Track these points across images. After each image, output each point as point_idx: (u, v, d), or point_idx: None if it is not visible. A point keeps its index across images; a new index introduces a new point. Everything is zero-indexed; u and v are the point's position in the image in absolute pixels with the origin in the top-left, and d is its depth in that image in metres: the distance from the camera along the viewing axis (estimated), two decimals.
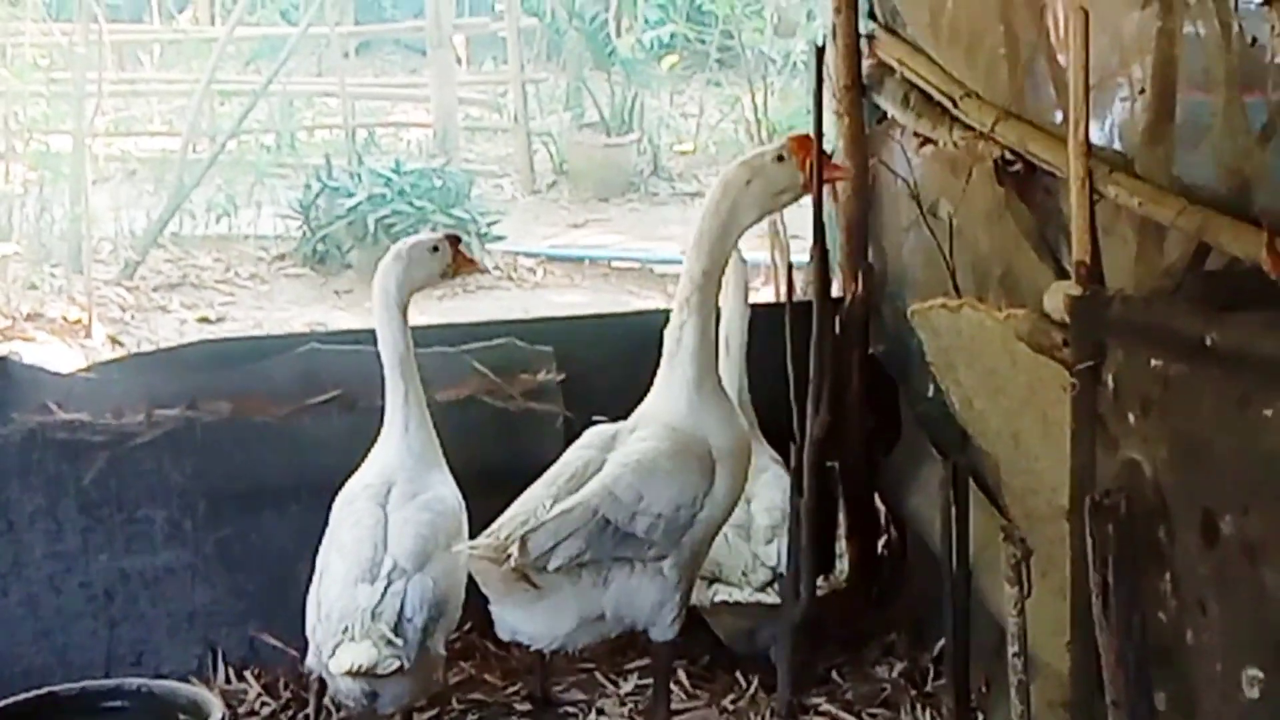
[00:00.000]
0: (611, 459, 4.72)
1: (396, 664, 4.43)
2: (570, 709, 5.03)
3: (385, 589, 4.54)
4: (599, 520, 4.54)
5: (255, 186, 14.67)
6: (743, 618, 5.08)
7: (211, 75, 15.00)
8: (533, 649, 4.80)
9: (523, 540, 4.43)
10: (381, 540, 4.64)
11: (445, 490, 4.83)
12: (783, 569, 5.00)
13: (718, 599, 5.03)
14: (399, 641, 4.45)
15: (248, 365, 5.26)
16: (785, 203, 4.88)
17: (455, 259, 4.96)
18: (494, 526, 4.56)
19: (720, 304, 4.99)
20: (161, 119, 17.18)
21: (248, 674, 5.21)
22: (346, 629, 4.49)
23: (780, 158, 4.76)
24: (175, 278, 13.51)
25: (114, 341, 11.75)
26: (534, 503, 4.61)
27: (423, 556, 4.61)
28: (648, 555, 4.63)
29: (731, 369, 5.25)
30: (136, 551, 5.20)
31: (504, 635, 4.75)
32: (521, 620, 4.67)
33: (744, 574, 5.05)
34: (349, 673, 4.44)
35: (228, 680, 5.20)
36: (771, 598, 5.00)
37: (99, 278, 12.80)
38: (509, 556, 4.43)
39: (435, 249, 4.92)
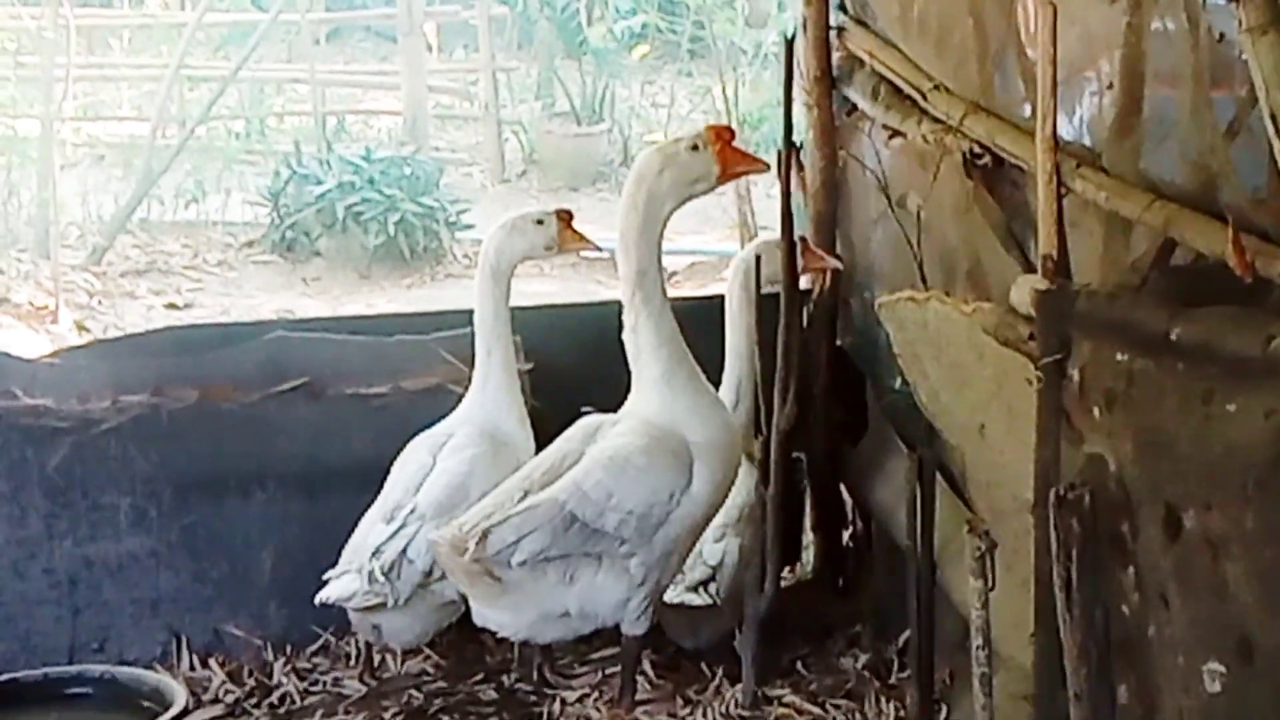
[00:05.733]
0: (588, 453, 4.65)
1: (376, 601, 4.73)
2: (534, 697, 5.02)
3: (397, 530, 4.79)
4: (566, 516, 4.48)
5: (224, 173, 14.64)
6: (681, 615, 5.07)
7: (181, 61, 14.95)
8: (499, 636, 4.82)
9: (484, 534, 4.42)
10: (416, 486, 4.87)
11: (509, 445, 4.97)
12: (724, 569, 4.99)
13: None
14: (382, 580, 4.70)
15: (214, 352, 5.25)
16: (700, 191, 4.71)
17: (562, 234, 5.15)
18: (463, 518, 4.55)
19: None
20: (130, 104, 17.13)
21: (212, 661, 5.20)
22: (352, 563, 4.78)
23: (695, 146, 4.65)
24: (143, 264, 13.47)
25: (80, 327, 11.71)
26: (505, 495, 4.59)
27: (448, 505, 4.79)
28: (618, 552, 4.57)
29: (733, 360, 5.19)
30: (101, 538, 5.19)
31: (478, 621, 4.74)
32: (488, 610, 4.66)
33: (682, 571, 4.99)
34: (324, 602, 4.74)
35: (191, 667, 5.18)
36: (702, 599, 4.98)
37: (66, 263, 12.75)
38: (468, 549, 4.42)
39: (540, 222, 5.14)
